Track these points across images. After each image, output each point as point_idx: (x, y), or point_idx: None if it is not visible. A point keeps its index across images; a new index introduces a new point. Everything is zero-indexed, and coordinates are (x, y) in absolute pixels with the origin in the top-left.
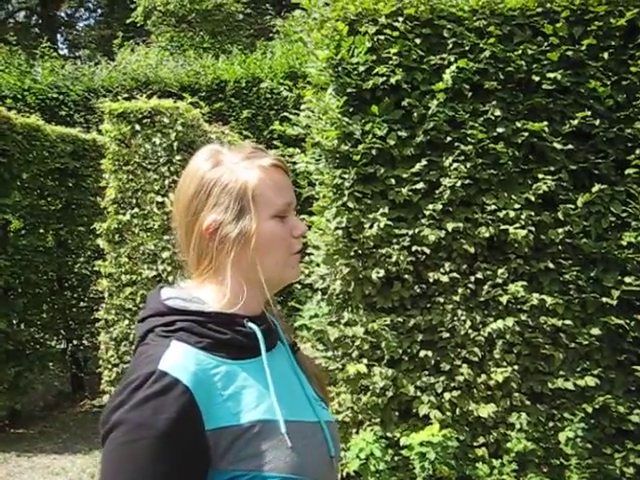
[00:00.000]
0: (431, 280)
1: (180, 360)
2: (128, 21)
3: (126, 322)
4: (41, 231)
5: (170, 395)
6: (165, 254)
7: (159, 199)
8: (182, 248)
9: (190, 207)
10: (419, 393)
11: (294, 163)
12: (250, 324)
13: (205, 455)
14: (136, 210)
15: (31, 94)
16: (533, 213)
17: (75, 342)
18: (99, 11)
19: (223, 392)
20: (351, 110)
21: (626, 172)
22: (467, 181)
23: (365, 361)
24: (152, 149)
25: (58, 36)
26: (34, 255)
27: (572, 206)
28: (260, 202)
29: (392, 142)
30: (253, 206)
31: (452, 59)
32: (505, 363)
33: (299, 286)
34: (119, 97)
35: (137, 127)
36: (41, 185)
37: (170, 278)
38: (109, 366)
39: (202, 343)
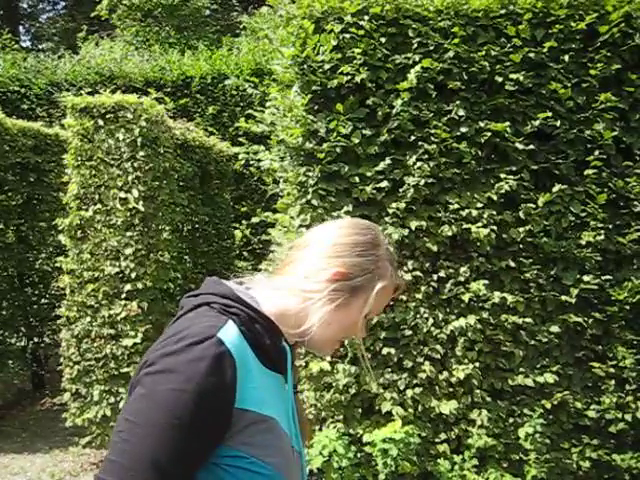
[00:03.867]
0: None
1: (235, 337)
2: (93, 14)
3: (88, 319)
4: (1, 227)
5: (223, 363)
6: (128, 250)
7: (122, 195)
8: (291, 259)
9: (345, 247)
10: (382, 390)
11: (259, 160)
12: (284, 343)
13: (226, 427)
14: (99, 206)
15: None
16: (495, 212)
17: (36, 339)
18: (63, 3)
19: (253, 381)
20: (316, 108)
21: (585, 173)
22: (430, 180)
23: (328, 358)
24: (115, 145)
25: (20, 28)
26: None
27: (533, 205)
28: (374, 300)
29: (356, 140)
30: (369, 296)
31: (417, 59)
32: (466, 360)
33: None
34: (83, 91)
35: (100, 122)
36: (1, 180)
37: (133, 275)
38: (70, 364)
39: (246, 335)
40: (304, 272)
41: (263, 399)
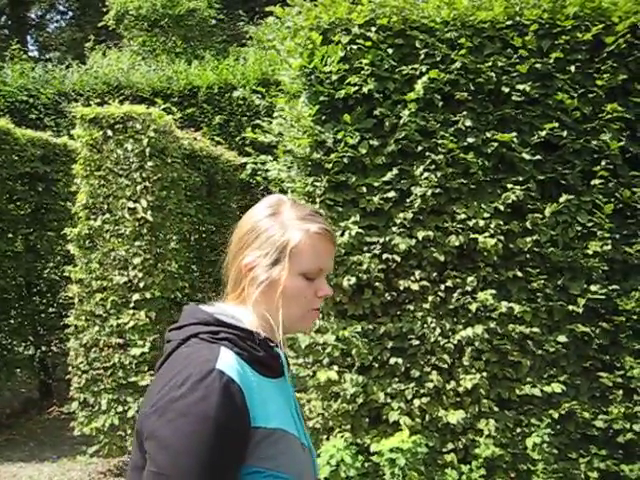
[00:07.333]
0: (401, 288)
1: (233, 363)
2: (100, 24)
3: (96, 328)
4: (10, 236)
5: (230, 392)
6: (136, 260)
7: (130, 205)
8: (225, 270)
9: (240, 241)
10: (389, 400)
11: (266, 170)
12: (277, 349)
13: (246, 448)
14: (107, 216)
15: (0, 96)
16: (502, 222)
17: (44, 348)
18: (70, 13)
19: (257, 397)
20: (323, 118)
21: (592, 183)
22: (437, 190)
23: (336, 368)
24: (124, 155)
25: (28, 38)
26: (2, 260)
27: (540, 215)
28: (294, 259)
29: (364, 151)
30: (288, 261)
31: (424, 69)
32: (474, 370)
33: None
34: (90, 101)
35: (109, 132)
36: (10, 189)
37: (141, 284)
38: (78, 372)
39: (242, 355)
40: (231, 280)
41: (268, 412)
